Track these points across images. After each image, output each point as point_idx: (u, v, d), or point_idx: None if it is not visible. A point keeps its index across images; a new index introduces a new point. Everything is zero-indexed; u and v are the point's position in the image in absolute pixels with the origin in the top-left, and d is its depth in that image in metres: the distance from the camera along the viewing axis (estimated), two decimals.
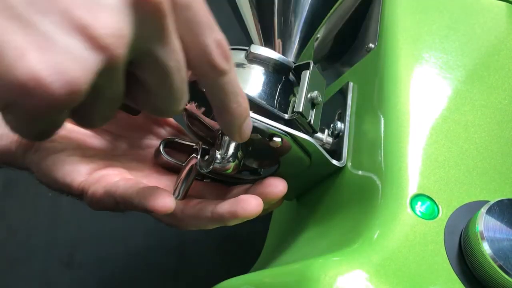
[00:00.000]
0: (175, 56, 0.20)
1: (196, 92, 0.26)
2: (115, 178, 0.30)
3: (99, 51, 0.16)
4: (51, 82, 0.15)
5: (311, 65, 0.33)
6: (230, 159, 0.30)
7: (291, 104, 0.33)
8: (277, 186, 0.30)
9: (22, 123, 0.17)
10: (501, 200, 0.25)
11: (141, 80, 0.20)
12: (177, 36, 0.20)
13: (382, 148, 0.30)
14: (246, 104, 0.24)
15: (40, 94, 0.15)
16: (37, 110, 0.15)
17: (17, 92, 0.15)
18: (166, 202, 0.27)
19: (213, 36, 0.21)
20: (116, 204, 0.29)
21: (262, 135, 0.29)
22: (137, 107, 0.23)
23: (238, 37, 0.39)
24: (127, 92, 0.20)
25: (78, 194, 0.30)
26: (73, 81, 0.15)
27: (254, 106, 0.30)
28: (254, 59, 0.32)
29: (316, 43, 0.48)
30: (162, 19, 0.18)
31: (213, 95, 0.23)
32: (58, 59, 0.15)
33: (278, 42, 0.42)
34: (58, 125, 0.18)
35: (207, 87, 0.23)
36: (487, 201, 0.26)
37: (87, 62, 0.16)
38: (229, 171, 0.30)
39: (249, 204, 0.28)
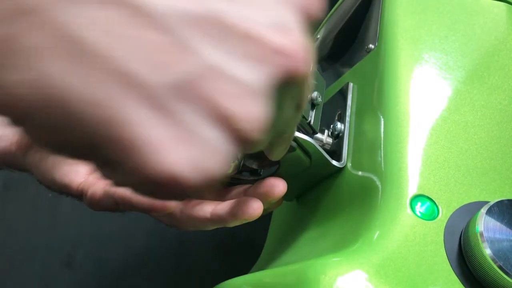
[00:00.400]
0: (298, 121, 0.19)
1: None
2: None
3: (240, 143, 0.14)
4: (189, 178, 0.14)
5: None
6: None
7: None
8: (277, 186, 0.30)
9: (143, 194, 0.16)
10: (501, 201, 0.25)
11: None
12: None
13: (382, 148, 0.30)
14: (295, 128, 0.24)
15: (173, 189, 0.14)
16: (166, 196, 0.15)
17: (150, 186, 0.14)
18: (165, 201, 0.27)
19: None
20: (116, 205, 0.29)
21: None
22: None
23: None
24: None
25: (78, 195, 0.30)
26: (209, 175, 0.14)
27: None
28: None
29: (316, 44, 0.48)
30: (304, 93, 0.17)
31: (281, 127, 0.23)
32: (197, 154, 0.14)
33: None
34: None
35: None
36: (487, 202, 0.26)
37: (225, 155, 0.14)
38: (229, 171, 0.30)
39: (249, 207, 0.28)
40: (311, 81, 0.17)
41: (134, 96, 0.13)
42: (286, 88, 0.16)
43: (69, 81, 0.12)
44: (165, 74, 0.13)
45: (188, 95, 0.13)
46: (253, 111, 0.14)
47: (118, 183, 0.15)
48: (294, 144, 0.30)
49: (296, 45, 0.15)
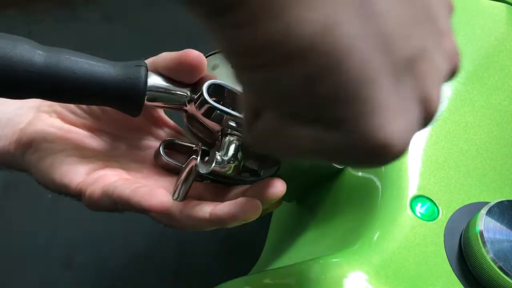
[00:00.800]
0: None
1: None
2: (113, 178, 0.30)
3: (425, 123, 0.16)
4: (396, 149, 0.15)
5: None
6: (230, 160, 0.30)
7: None
8: (276, 187, 0.30)
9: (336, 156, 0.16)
10: (501, 202, 0.25)
11: None
12: None
13: None
14: None
15: (380, 156, 0.15)
16: (369, 161, 0.15)
17: (361, 150, 0.15)
18: (163, 201, 0.27)
19: None
20: (114, 205, 0.29)
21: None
22: None
23: None
24: None
25: (76, 195, 0.30)
26: (407, 146, 0.15)
27: None
28: None
29: None
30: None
31: None
32: (407, 127, 0.15)
33: None
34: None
35: None
36: (487, 203, 0.26)
37: (417, 130, 0.16)
38: (229, 172, 0.30)
39: (248, 207, 0.28)
40: None
41: (385, 61, 0.14)
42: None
43: (350, 32, 0.13)
44: (408, 46, 0.14)
45: (412, 70, 0.15)
46: (439, 94, 0.16)
47: (329, 144, 0.15)
48: None
49: (458, 50, 0.17)
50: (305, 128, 0.15)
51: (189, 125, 0.33)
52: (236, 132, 0.30)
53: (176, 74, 0.30)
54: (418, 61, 0.15)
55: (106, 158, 0.33)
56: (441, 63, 0.16)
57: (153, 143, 0.35)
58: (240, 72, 0.15)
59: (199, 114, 0.30)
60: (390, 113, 0.14)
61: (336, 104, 0.14)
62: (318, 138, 0.15)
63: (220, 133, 0.31)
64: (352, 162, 0.16)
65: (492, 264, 0.23)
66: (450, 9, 0.17)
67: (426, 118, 0.16)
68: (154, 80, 0.29)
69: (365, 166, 0.16)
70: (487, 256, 0.24)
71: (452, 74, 0.17)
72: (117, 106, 0.30)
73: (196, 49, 0.30)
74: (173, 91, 0.30)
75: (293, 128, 0.15)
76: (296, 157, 0.18)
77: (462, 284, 0.25)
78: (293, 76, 0.14)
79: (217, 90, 0.29)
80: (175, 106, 0.31)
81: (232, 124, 0.29)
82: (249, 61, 0.14)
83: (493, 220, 0.25)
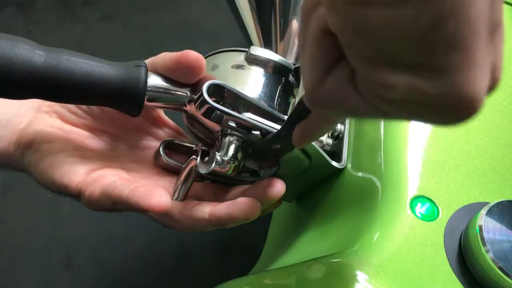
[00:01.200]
0: None
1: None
2: (112, 178, 0.30)
3: (490, 91, 0.17)
4: (479, 105, 0.16)
5: None
6: (230, 160, 0.30)
7: (290, 105, 0.33)
8: (276, 187, 0.30)
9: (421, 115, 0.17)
10: (501, 202, 0.25)
11: None
12: None
13: (382, 149, 0.30)
14: None
15: (466, 110, 0.16)
16: (444, 115, 0.16)
17: (452, 101, 0.15)
18: (161, 201, 0.27)
19: None
20: (113, 204, 0.29)
21: (262, 139, 0.29)
22: None
23: (238, 38, 0.39)
24: None
25: (76, 195, 0.30)
26: (483, 106, 0.16)
27: (254, 107, 0.30)
28: (254, 60, 0.32)
29: None
30: None
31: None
32: (486, 88, 0.16)
33: (278, 43, 0.42)
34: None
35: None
36: (487, 203, 0.26)
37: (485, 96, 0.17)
38: (229, 172, 0.30)
39: (246, 207, 0.28)
40: None
41: (489, 19, 0.15)
42: None
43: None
44: (497, 12, 0.15)
45: (494, 36, 0.16)
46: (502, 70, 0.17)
47: (421, 92, 0.16)
48: None
49: None
50: (400, 75, 0.16)
51: (189, 125, 0.33)
52: (236, 132, 0.30)
53: (175, 75, 0.30)
54: (498, 28, 0.16)
55: (106, 158, 0.33)
56: (503, 35, 0.17)
57: (153, 143, 0.35)
58: (360, 8, 0.15)
59: (199, 114, 0.30)
60: (482, 70, 0.15)
61: (448, 50, 0.15)
62: (412, 86, 0.15)
63: (220, 133, 0.31)
64: (436, 115, 0.16)
65: (492, 264, 0.23)
66: None
67: (492, 85, 0.17)
68: (154, 80, 0.29)
69: (446, 121, 0.16)
70: (487, 256, 0.24)
71: None
72: (117, 106, 0.30)
73: (196, 49, 0.30)
74: (173, 91, 0.30)
75: (386, 75, 0.16)
76: (368, 113, 0.18)
77: (462, 284, 0.25)
78: (421, 16, 0.14)
79: (217, 91, 0.29)
80: (175, 106, 0.31)
81: (232, 124, 0.29)
82: None
83: (493, 221, 0.25)
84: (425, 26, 0.14)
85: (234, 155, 0.30)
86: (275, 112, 0.31)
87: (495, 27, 0.16)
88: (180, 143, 0.35)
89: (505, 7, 0.38)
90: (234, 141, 0.30)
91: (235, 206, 0.28)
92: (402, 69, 0.15)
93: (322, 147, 0.35)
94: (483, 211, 0.25)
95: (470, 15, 0.14)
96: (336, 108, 0.18)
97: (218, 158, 0.29)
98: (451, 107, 0.16)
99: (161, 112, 0.35)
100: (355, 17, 0.15)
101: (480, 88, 0.15)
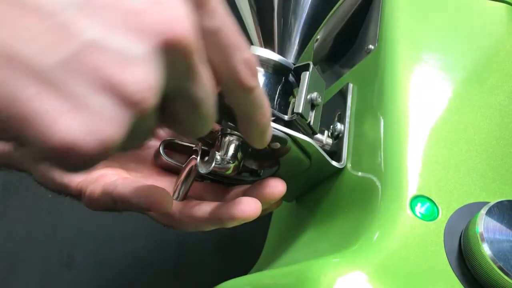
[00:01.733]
0: (204, 87, 0.19)
1: (221, 105, 0.26)
2: (113, 177, 0.30)
3: (129, 107, 0.16)
4: (85, 144, 0.15)
5: (311, 66, 0.33)
6: (230, 160, 0.30)
7: (290, 105, 0.33)
8: (276, 187, 0.30)
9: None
10: (501, 202, 0.25)
11: (171, 110, 0.20)
12: (205, 65, 0.19)
13: (382, 149, 0.30)
14: (269, 114, 0.25)
15: (74, 156, 0.15)
16: (73, 167, 0.16)
17: (51, 155, 0.15)
18: (163, 200, 0.27)
19: (242, 56, 0.21)
20: (114, 204, 0.29)
21: None
22: (168, 129, 0.23)
23: None
24: (158, 119, 0.20)
25: (76, 195, 0.30)
26: (106, 140, 0.15)
27: None
28: None
29: (315, 45, 0.48)
30: (190, 58, 0.18)
31: (240, 110, 0.24)
32: (90, 120, 0.15)
33: (278, 43, 0.42)
34: (94, 166, 0.18)
35: (235, 103, 0.23)
36: (487, 202, 0.26)
37: (119, 119, 0.16)
38: (229, 172, 0.30)
39: (247, 207, 0.28)
40: (200, 50, 0.18)
41: (23, 76, 0.14)
42: (173, 58, 0.17)
43: None
44: (49, 54, 0.15)
45: (74, 70, 0.15)
46: (137, 76, 0.16)
47: (31, 157, 0.16)
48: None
49: (174, 16, 0.17)
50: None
51: None
52: (235, 132, 0.30)
53: None
54: (81, 57, 0.15)
55: None
56: (123, 45, 0.15)
57: (153, 143, 0.35)
58: None
59: None
60: (58, 115, 0.15)
61: None
62: (23, 152, 0.16)
63: (220, 133, 0.31)
64: (58, 165, 0.16)
65: (492, 264, 0.23)
66: None
67: (129, 100, 0.16)
68: None
69: (71, 169, 0.16)
70: (487, 256, 0.24)
71: (174, 41, 0.17)
72: None
73: None
74: None
75: None
76: None
77: (462, 284, 0.25)
78: None
79: None
80: None
81: (232, 124, 0.29)
82: None
83: (493, 220, 0.25)
84: None
85: (234, 155, 0.30)
86: (275, 112, 0.31)
87: (66, 63, 0.15)
88: (180, 142, 0.35)
89: (505, 7, 0.38)
90: (234, 141, 0.30)
91: (236, 205, 0.28)
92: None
93: (322, 146, 0.35)
94: (483, 211, 0.25)
95: None
96: None
97: (218, 157, 0.29)
98: (61, 160, 0.15)
99: None
100: None
101: (69, 130, 0.15)
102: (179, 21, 0.17)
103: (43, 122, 0.14)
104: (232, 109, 0.24)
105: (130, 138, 0.17)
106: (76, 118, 0.15)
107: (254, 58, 0.22)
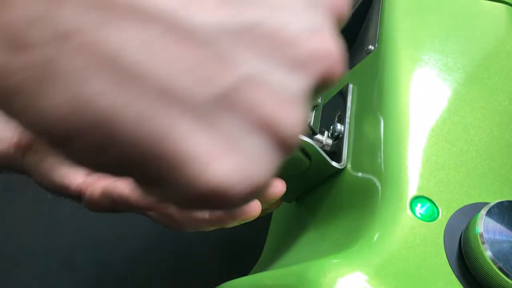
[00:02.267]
0: None
1: None
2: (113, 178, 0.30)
3: (283, 150, 0.14)
4: (236, 190, 0.14)
5: None
6: None
7: None
8: (276, 187, 0.30)
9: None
10: (501, 202, 0.25)
11: None
12: None
13: (382, 149, 0.30)
14: None
15: (221, 201, 0.14)
16: (210, 209, 0.14)
17: (195, 199, 0.14)
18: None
19: None
20: (114, 205, 0.29)
21: None
22: None
23: None
24: None
25: (77, 196, 0.30)
26: (256, 184, 0.14)
27: None
28: None
29: None
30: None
31: None
32: (244, 164, 0.14)
33: None
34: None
35: None
36: (487, 203, 0.26)
37: (271, 162, 0.14)
38: None
39: (246, 206, 0.28)
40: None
41: (176, 111, 0.13)
42: (318, 89, 0.16)
43: (111, 100, 0.12)
44: (205, 87, 0.13)
45: (230, 106, 0.13)
46: (294, 117, 0.14)
47: (161, 199, 0.14)
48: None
49: (332, 48, 0.15)
50: (144, 190, 0.14)
51: None
52: None
53: None
54: (237, 93, 0.13)
55: None
56: (283, 81, 0.14)
57: None
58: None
59: None
60: (213, 157, 0.13)
61: (136, 168, 0.13)
62: (150, 193, 0.14)
63: None
64: (208, 209, 0.14)
65: (492, 264, 0.23)
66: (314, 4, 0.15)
67: (283, 143, 0.14)
68: None
69: (226, 209, 0.14)
70: (487, 256, 0.24)
71: (330, 75, 0.15)
72: None
73: None
74: None
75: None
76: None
77: (462, 284, 0.25)
78: (80, 152, 0.13)
79: None
80: None
81: None
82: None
83: (492, 221, 0.25)
84: (91, 157, 0.13)
85: None
86: None
87: (222, 99, 0.13)
88: None
89: (505, 7, 0.38)
90: None
91: None
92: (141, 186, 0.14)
93: (322, 147, 0.35)
94: (483, 212, 0.25)
95: (125, 133, 0.12)
96: None
97: None
98: (204, 205, 0.14)
99: None
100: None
101: (222, 173, 0.13)
102: (337, 56, 0.15)
103: (195, 165, 0.13)
104: None
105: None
106: (230, 162, 0.13)
107: None
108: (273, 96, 0.14)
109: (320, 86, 0.15)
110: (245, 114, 0.13)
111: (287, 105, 0.14)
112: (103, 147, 0.12)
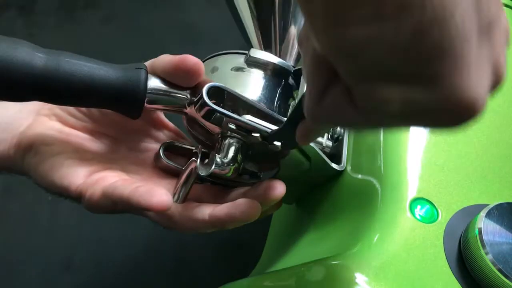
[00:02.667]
0: None
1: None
2: (113, 179, 0.30)
3: (494, 88, 0.17)
4: (479, 107, 0.15)
5: None
6: (230, 162, 0.30)
7: (290, 107, 0.33)
8: (276, 189, 0.30)
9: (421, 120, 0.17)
10: (500, 204, 0.25)
11: None
12: None
13: (381, 152, 0.30)
14: None
15: (465, 114, 0.16)
16: (454, 123, 0.16)
17: (450, 107, 0.15)
18: (163, 200, 0.27)
19: None
20: (114, 206, 0.29)
21: (262, 138, 0.29)
22: None
23: (238, 41, 0.39)
24: None
25: (76, 197, 0.30)
26: (485, 106, 0.16)
27: (254, 110, 0.30)
28: (254, 63, 0.33)
29: None
30: None
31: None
32: (486, 88, 0.16)
33: (277, 46, 0.42)
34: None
35: None
36: (486, 205, 0.26)
37: (488, 91, 0.17)
38: (229, 174, 0.30)
39: (247, 208, 0.28)
40: None
41: (476, 22, 0.15)
42: None
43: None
44: (490, 10, 0.15)
45: (489, 35, 0.16)
46: (505, 65, 0.17)
47: (417, 103, 0.16)
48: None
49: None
50: (394, 88, 0.16)
51: (189, 128, 0.33)
52: (235, 135, 0.30)
53: (174, 79, 0.30)
54: (494, 26, 0.16)
55: (106, 160, 0.33)
56: (505, 31, 0.17)
57: (153, 146, 0.35)
58: (341, 30, 0.15)
59: (199, 116, 0.30)
60: (478, 72, 0.15)
61: (435, 59, 0.15)
62: (408, 98, 0.16)
63: (219, 136, 0.31)
64: (436, 121, 0.16)
65: (492, 266, 0.23)
66: None
67: (495, 82, 0.17)
68: (154, 82, 0.30)
69: (448, 126, 0.16)
70: (486, 258, 0.24)
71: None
72: (116, 108, 0.30)
73: (196, 52, 0.30)
74: (173, 94, 0.30)
75: (380, 90, 0.16)
76: (368, 125, 0.18)
77: (461, 286, 0.25)
78: (402, 29, 0.14)
79: (217, 93, 0.29)
80: (175, 108, 0.31)
81: (232, 126, 0.29)
82: (362, 11, 0.14)
83: (492, 223, 0.25)
84: (408, 38, 0.14)
85: (234, 157, 0.30)
86: (275, 114, 0.31)
87: (489, 25, 0.16)
88: (180, 145, 0.35)
89: (506, 10, 0.38)
90: (234, 143, 0.30)
91: (235, 207, 0.28)
92: (394, 82, 0.16)
93: (322, 149, 0.35)
94: (483, 213, 0.25)
95: (452, 20, 0.14)
96: (336, 122, 0.19)
97: (218, 160, 0.29)
98: (451, 113, 0.16)
99: (161, 114, 0.35)
100: (337, 39, 0.15)
101: (478, 90, 0.15)
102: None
103: (467, 75, 0.15)
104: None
105: None
106: (485, 81, 0.16)
107: None
108: (502, 39, 0.17)
109: None
110: (492, 47, 0.16)
111: (504, 50, 0.17)
112: (430, 28, 0.14)
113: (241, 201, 0.28)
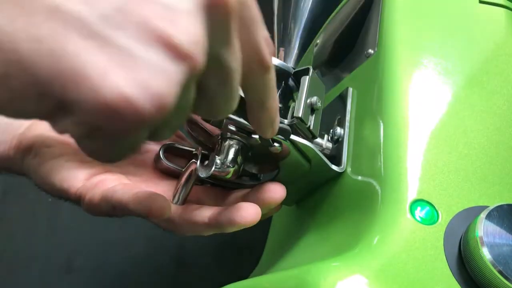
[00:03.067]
0: (237, 57, 0.19)
1: None
2: (112, 183, 0.30)
3: (182, 60, 0.15)
4: (139, 100, 0.14)
5: (311, 70, 0.33)
6: (230, 164, 0.30)
7: (290, 109, 0.33)
8: (276, 192, 0.30)
9: (104, 146, 0.16)
10: (501, 205, 0.25)
11: (203, 84, 0.19)
12: (237, 36, 0.19)
13: (381, 153, 0.30)
14: (277, 99, 0.25)
15: (129, 114, 0.14)
16: (124, 130, 0.15)
17: (104, 115, 0.14)
18: (162, 207, 0.27)
19: (263, 33, 0.20)
20: (113, 210, 0.29)
21: (262, 140, 0.29)
22: (196, 113, 0.22)
23: None
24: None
25: (76, 200, 0.30)
26: (161, 96, 0.14)
27: None
28: None
29: (315, 49, 0.48)
30: (230, 22, 0.17)
31: (255, 91, 0.23)
32: (143, 75, 0.14)
33: (278, 48, 0.42)
34: (140, 144, 0.17)
35: (251, 85, 0.22)
36: (487, 206, 0.26)
37: (172, 73, 0.15)
38: (229, 176, 0.30)
39: (247, 212, 0.28)
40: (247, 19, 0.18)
41: (69, 29, 0.14)
42: (215, 18, 0.17)
43: (14, 24, 0.13)
44: (94, 6, 0.14)
45: (121, 22, 0.14)
46: (187, 28, 0.15)
47: (79, 130, 0.15)
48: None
49: None
50: (57, 123, 0.15)
51: (189, 129, 0.33)
52: (235, 136, 0.30)
53: None
54: (126, 9, 0.14)
55: None
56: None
57: (153, 147, 0.35)
58: None
59: (198, 118, 0.30)
60: (111, 69, 0.14)
61: (41, 91, 0.14)
62: (73, 127, 0.15)
63: (219, 137, 0.31)
64: (115, 132, 0.15)
65: (492, 268, 0.23)
66: None
67: (180, 53, 0.15)
68: None
69: (123, 135, 0.15)
70: (487, 260, 0.24)
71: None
72: None
73: None
74: None
75: (54, 126, 0.16)
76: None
77: (461, 287, 0.25)
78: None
79: None
80: None
81: (232, 128, 0.29)
82: None
83: (492, 224, 0.25)
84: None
85: (234, 159, 0.30)
86: None
87: (115, 14, 0.14)
88: (180, 146, 0.35)
89: (504, 11, 0.38)
90: (234, 145, 0.30)
91: (236, 211, 0.28)
92: (48, 119, 0.15)
93: (322, 151, 0.35)
94: (483, 215, 0.25)
95: (23, 60, 0.13)
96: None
97: (218, 162, 0.29)
98: (111, 120, 0.14)
99: None
100: None
101: (119, 84, 0.14)
102: None
103: (92, 77, 0.13)
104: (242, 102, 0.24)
105: (177, 109, 0.16)
106: (128, 72, 0.14)
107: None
108: (162, 11, 0.15)
109: (215, 12, 0.16)
110: (136, 28, 0.14)
111: (177, 18, 0.15)
112: (9, 70, 0.13)
113: (241, 205, 0.28)
